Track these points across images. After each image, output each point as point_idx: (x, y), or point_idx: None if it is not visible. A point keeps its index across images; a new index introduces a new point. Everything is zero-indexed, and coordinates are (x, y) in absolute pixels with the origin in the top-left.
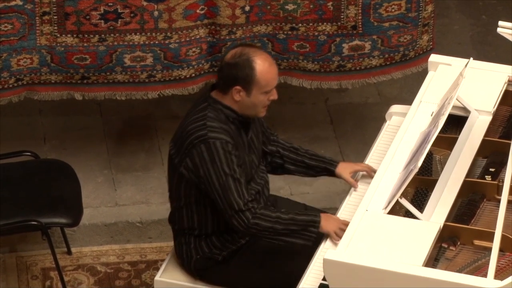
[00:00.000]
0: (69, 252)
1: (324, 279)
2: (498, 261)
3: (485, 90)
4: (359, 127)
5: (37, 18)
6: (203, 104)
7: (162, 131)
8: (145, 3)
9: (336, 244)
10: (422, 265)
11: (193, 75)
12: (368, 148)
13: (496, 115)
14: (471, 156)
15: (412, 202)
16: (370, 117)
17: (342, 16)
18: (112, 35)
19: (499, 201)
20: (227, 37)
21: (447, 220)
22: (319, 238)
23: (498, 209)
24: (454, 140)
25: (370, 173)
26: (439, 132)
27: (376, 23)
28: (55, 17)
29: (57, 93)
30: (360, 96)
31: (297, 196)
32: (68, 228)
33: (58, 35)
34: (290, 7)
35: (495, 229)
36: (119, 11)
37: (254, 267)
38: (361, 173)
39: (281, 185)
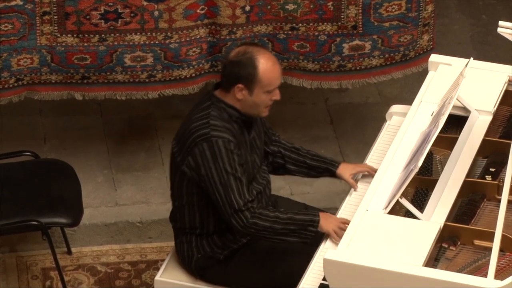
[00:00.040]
0: (69, 252)
1: (324, 279)
2: (498, 261)
3: (485, 90)
4: (359, 127)
5: (37, 18)
6: (206, 102)
7: (162, 131)
8: (145, 3)
9: (336, 244)
10: (422, 265)
11: (194, 75)
12: (368, 148)
13: (496, 115)
14: (471, 156)
15: (412, 202)
16: (370, 117)
17: (342, 16)
18: (112, 35)
19: (499, 201)
20: (227, 37)
21: (447, 220)
22: (319, 237)
23: (498, 209)
24: (454, 140)
25: (371, 173)
26: (440, 132)
27: (377, 23)
28: (56, 17)
29: (57, 93)
30: (360, 96)
31: (297, 196)
32: (68, 228)
33: (59, 35)
34: (290, 7)
35: (495, 229)
36: (119, 11)
37: (255, 267)
38: (361, 173)
39: (281, 185)
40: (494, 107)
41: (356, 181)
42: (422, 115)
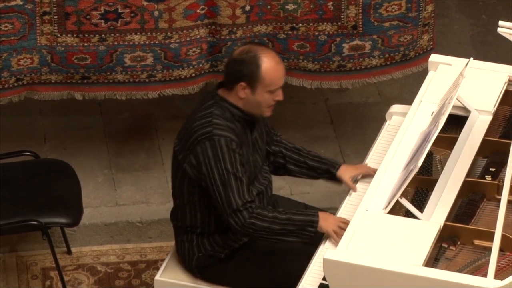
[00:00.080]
0: (69, 252)
1: (324, 279)
2: (498, 260)
3: (485, 90)
4: (359, 127)
5: (37, 18)
6: (210, 101)
7: (162, 131)
8: (145, 3)
9: (336, 244)
10: (422, 265)
11: (194, 75)
12: (368, 148)
13: (496, 115)
14: (471, 156)
15: (412, 202)
16: (370, 117)
17: (342, 16)
18: (112, 35)
19: (499, 201)
20: (228, 37)
21: (447, 220)
22: (318, 237)
23: (498, 209)
24: (454, 140)
25: (371, 174)
26: (439, 132)
27: (377, 23)
28: (56, 17)
29: (57, 93)
30: (360, 96)
31: (297, 195)
32: (68, 228)
33: (59, 35)
34: (290, 7)
35: (495, 229)
36: (120, 11)
37: (255, 267)
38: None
39: (281, 185)
40: (494, 107)
41: (356, 181)
42: (422, 115)
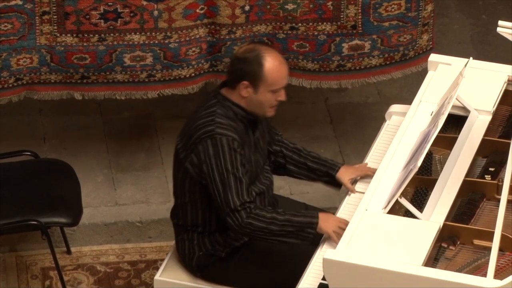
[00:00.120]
0: (68, 252)
1: (323, 278)
2: (497, 260)
3: (485, 90)
4: (359, 126)
5: (36, 17)
6: (213, 100)
7: (162, 131)
8: (144, 3)
9: (335, 244)
10: (422, 265)
11: (193, 74)
12: (368, 147)
13: (495, 114)
14: (471, 155)
15: (412, 201)
16: (370, 116)
17: (342, 16)
18: (112, 34)
19: (498, 200)
20: (227, 37)
21: (446, 219)
22: (318, 237)
23: (498, 209)
24: (454, 140)
25: (371, 175)
26: (439, 132)
27: (376, 23)
28: (55, 16)
29: (57, 93)
30: (360, 96)
31: (297, 195)
32: (67, 227)
33: (58, 35)
34: (290, 6)
35: (494, 229)
36: (119, 10)
37: (255, 266)
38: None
39: (281, 185)
40: (493, 106)
41: (355, 182)
42: (422, 115)
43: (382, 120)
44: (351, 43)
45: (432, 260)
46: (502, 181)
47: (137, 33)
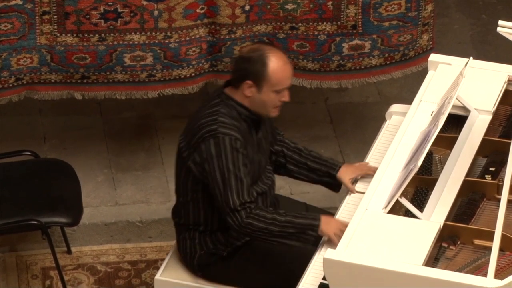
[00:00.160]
0: (69, 252)
1: (324, 278)
2: (498, 260)
3: (485, 90)
4: (359, 126)
5: (37, 17)
6: (216, 99)
7: (162, 131)
8: (145, 3)
9: (336, 246)
10: (422, 265)
11: (193, 74)
12: (368, 147)
13: (496, 114)
14: (471, 155)
15: (412, 201)
16: (370, 116)
17: (342, 16)
18: (112, 34)
19: (499, 200)
20: (227, 37)
21: (447, 219)
22: (319, 239)
23: (498, 209)
24: (454, 140)
25: (372, 174)
26: (439, 132)
27: (376, 23)
28: (55, 16)
29: (57, 93)
30: (360, 96)
31: (297, 195)
32: (68, 227)
33: (58, 35)
34: (290, 6)
35: (495, 229)
36: (119, 10)
37: (255, 266)
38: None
39: (281, 185)
40: (493, 106)
41: (356, 181)
42: (422, 115)
43: (382, 120)
44: (351, 43)
45: (433, 260)
46: (503, 181)
47: (137, 33)
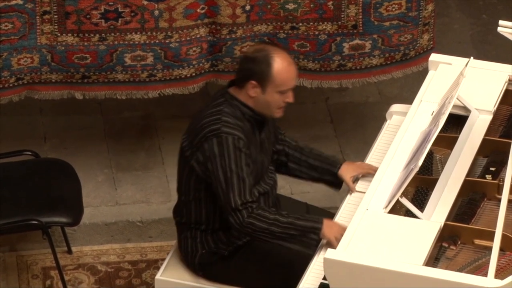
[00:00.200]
0: (69, 251)
1: (324, 278)
2: (498, 260)
3: (486, 90)
4: (360, 126)
5: (37, 17)
6: (220, 99)
7: (162, 131)
8: (145, 2)
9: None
10: (423, 265)
11: (194, 74)
12: (369, 147)
13: (496, 114)
14: (472, 155)
15: (413, 201)
16: (370, 116)
17: (342, 16)
18: (112, 34)
19: (499, 200)
20: (228, 36)
21: (447, 219)
22: (320, 241)
23: (499, 209)
24: (455, 140)
25: (372, 173)
26: (440, 132)
27: (377, 22)
28: (56, 16)
29: (57, 92)
30: (360, 95)
31: (298, 195)
32: (68, 227)
33: (59, 34)
34: (290, 6)
35: (495, 229)
36: (120, 10)
37: (256, 266)
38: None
39: (281, 184)
40: (494, 106)
41: (357, 180)
42: (422, 115)
43: (383, 119)
44: (352, 43)
45: (433, 259)
46: (503, 181)
47: (138, 33)
